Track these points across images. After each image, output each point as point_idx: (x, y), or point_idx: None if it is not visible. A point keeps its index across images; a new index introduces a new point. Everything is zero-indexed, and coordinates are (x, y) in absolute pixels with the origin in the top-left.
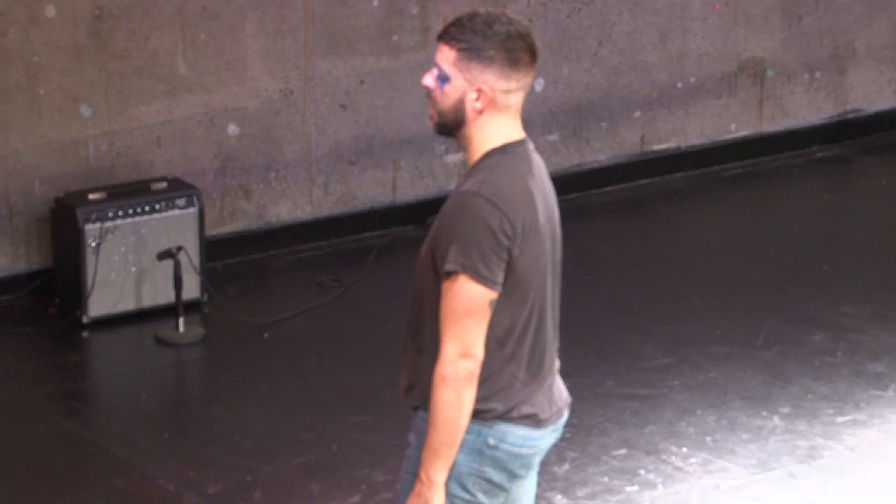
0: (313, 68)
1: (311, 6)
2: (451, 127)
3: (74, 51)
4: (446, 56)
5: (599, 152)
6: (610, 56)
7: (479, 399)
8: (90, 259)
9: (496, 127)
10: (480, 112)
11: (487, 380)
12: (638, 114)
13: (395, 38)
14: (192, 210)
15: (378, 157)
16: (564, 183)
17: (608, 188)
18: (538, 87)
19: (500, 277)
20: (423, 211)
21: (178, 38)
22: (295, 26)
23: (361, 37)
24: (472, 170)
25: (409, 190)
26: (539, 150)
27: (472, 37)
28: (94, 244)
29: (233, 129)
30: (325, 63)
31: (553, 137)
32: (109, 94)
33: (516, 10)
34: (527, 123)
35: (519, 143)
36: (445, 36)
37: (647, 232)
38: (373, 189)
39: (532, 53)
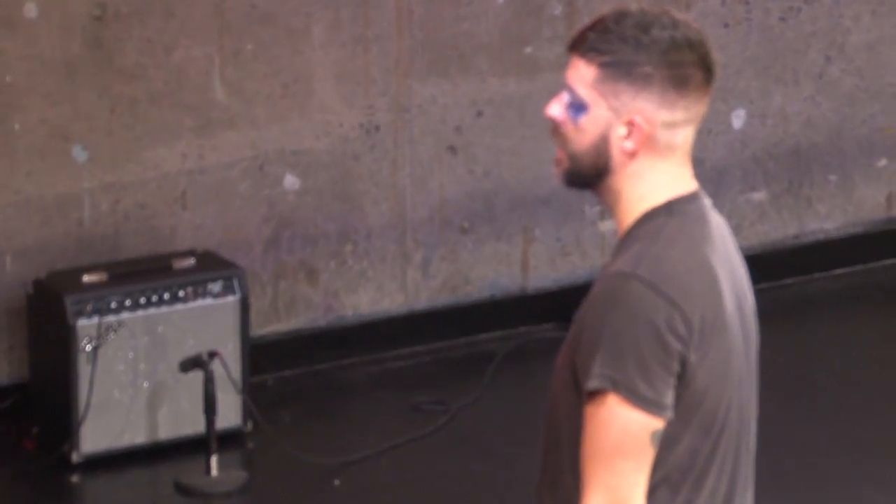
0: (409, 94)
1: (406, 4)
2: (590, 176)
3: (65, 67)
4: (582, 74)
5: (826, 218)
6: (843, 77)
7: None
8: (83, 369)
9: (656, 176)
10: (633, 155)
11: None
12: (883, 162)
13: (528, 49)
14: (232, 299)
15: (502, 222)
16: (775, 262)
17: (839, 270)
18: (737, 123)
19: (668, 398)
20: (566, 302)
21: (213, 50)
22: (383, 33)
23: (480, 48)
24: (624, 240)
25: (547, 271)
26: (739, 213)
27: (621, 46)
28: (89, 348)
29: (291, 181)
30: (427, 86)
31: (758, 196)
32: (114, 131)
33: (705, 10)
34: (719, 175)
35: (689, 199)
36: (581, 45)
37: (895, 334)
38: (494, 270)
39: (706, 70)
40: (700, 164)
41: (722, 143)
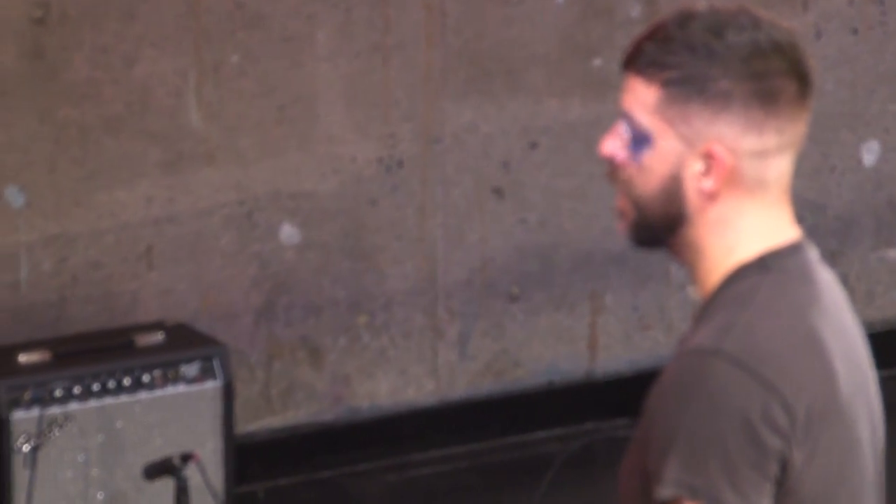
0: (442, 119)
1: (439, 2)
2: (661, 229)
3: None
4: (642, 98)
5: None
6: None
7: None
8: (20, 475)
9: (746, 222)
10: (714, 196)
11: None
12: None
13: (597, 62)
14: (212, 385)
15: (563, 287)
16: None
17: None
18: (869, 158)
19: None
20: (645, 391)
21: (187, 62)
22: (408, 39)
23: (534, 60)
24: (706, 307)
25: (620, 352)
26: (870, 276)
27: (689, 57)
28: (27, 447)
29: (289, 232)
30: (465, 109)
31: (895, 254)
32: (60, 168)
33: (827, 12)
34: (845, 226)
35: (790, 251)
36: (637, 60)
37: None
38: (552, 349)
39: (800, 79)
40: (820, 212)
41: (849, 184)
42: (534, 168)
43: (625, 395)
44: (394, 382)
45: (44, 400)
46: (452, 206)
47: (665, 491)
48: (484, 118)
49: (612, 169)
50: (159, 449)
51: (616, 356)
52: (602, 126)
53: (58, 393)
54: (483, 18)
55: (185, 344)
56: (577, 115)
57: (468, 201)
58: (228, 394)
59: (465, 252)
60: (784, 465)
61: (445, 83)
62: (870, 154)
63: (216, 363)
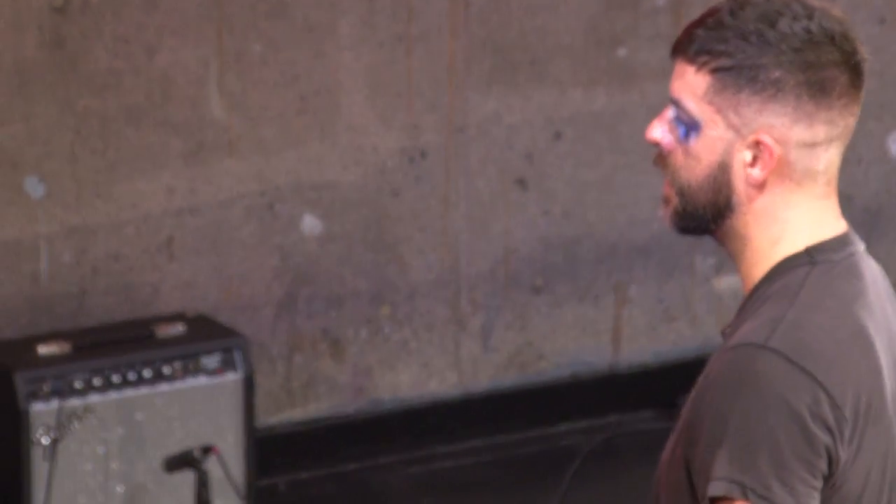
0: (466, 109)
1: None
2: (706, 217)
3: (16, 74)
4: (692, 84)
5: None
6: None
7: None
8: (39, 467)
9: (793, 213)
10: (761, 186)
11: None
12: None
13: (622, 52)
14: (233, 377)
15: (587, 278)
16: None
17: None
18: None
19: None
20: (670, 383)
21: (209, 52)
22: (431, 28)
23: (559, 50)
24: (750, 300)
25: (645, 344)
26: None
27: (741, 45)
28: (46, 440)
29: (311, 223)
30: (489, 100)
31: None
32: (80, 158)
33: (854, 1)
34: (872, 217)
35: (837, 244)
36: (689, 47)
37: None
38: (576, 341)
39: (853, 70)
40: (847, 202)
41: (876, 174)
42: (558, 159)
43: (649, 387)
44: (416, 375)
45: (63, 392)
46: (476, 197)
47: (715, 488)
48: (508, 108)
49: (658, 154)
50: (180, 441)
51: (640, 348)
52: (627, 116)
53: (77, 385)
54: (507, 8)
55: (205, 336)
56: (601, 106)
57: (492, 192)
58: (249, 386)
59: (489, 243)
60: (830, 461)
61: (469, 73)
62: None
63: (237, 355)
